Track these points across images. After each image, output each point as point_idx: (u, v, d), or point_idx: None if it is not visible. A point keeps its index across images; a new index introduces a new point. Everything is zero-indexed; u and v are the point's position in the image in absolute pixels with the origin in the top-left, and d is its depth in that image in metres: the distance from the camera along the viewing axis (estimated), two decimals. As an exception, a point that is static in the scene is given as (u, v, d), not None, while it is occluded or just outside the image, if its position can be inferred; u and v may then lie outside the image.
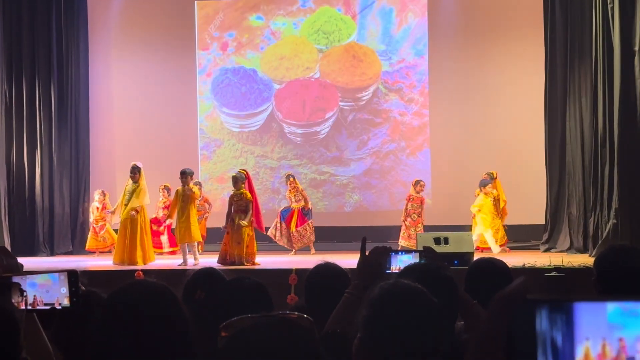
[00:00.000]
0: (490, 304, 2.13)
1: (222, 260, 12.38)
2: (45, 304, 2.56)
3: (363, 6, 16.56)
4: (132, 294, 2.12)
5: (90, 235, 15.27)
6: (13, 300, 2.47)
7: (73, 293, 2.56)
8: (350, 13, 16.61)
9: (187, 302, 2.36)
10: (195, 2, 17.00)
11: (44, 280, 2.57)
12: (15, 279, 2.55)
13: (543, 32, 14.85)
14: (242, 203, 12.61)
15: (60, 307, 2.55)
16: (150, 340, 2.02)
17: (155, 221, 14.93)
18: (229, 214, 12.68)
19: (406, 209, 14.47)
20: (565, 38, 14.40)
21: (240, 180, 12.74)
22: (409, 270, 3.21)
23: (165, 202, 15.09)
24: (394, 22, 16.46)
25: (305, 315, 2.11)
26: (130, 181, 12.87)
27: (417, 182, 14.64)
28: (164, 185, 15.18)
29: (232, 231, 12.53)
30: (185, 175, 12.79)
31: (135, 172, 12.85)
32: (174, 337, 2.05)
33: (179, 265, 12.45)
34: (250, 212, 12.54)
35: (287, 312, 2.13)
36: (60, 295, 2.56)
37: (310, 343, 1.75)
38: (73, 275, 2.57)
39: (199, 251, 13.22)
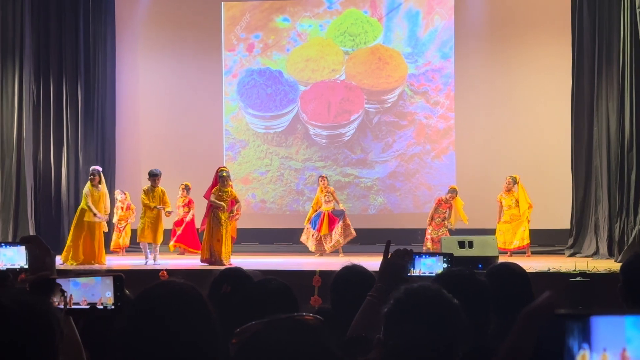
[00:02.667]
0: (517, 318, 2.14)
1: (207, 259, 12.60)
2: (89, 304, 2.60)
3: (389, 9, 16.54)
4: (161, 295, 2.13)
5: (114, 234, 15.34)
6: (53, 300, 2.50)
7: (118, 297, 2.59)
8: (376, 15, 16.60)
9: (213, 299, 2.37)
10: (222, 3, 17.05)
11: (87, 280, 2.61)
12: (59, 280, 2.59)
13: (570, 35, 14.78)
14: (230, 200, 12.89)
15: (102, 307, 2.59)
16: (178, 341, 2.03)
17: (180, 223, 15.00)
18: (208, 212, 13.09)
19: (433, 212, 14.46)
20: (592, 42, 14.32)
21: (230, 178, 13.01)
22: (442, 276, 3.22)
23: (184, 200, 15.14)
24: (420, 24, 16.43)
25: (317, 316, 2.12)
26: (90, 183, 13.06)
27: (453, 190, 14.53)
28: (184, 184, 15.20)
29: (217, 229, 12.71)
30: (155, 176, 13.07)
31: (95, 174, 13.11)
32: (201, 338, 2.07)
33: (145, 264, 12.81)
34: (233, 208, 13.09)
35: (303, 314, 2.15)
36: (103, 296, 2.59)
37: (320, 343, 1.76)
38: (119, 280, 2.61)
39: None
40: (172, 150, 16.58)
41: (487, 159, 15.75)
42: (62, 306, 2.52)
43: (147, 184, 13.46)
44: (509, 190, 14.30)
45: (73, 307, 2.59)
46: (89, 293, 2.61)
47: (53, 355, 1.87)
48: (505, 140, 15.70)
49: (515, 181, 14.31)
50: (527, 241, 14.15)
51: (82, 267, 12.41)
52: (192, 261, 13.21)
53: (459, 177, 15.96)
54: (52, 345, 1.86)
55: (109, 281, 2.60)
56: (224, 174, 13.03)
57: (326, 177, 15.05)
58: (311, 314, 2.09)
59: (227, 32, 17.07)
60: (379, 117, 16.52)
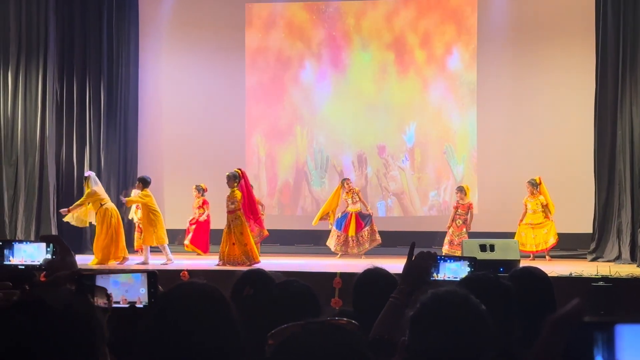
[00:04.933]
0: (543, 324, 2.13)
1: (223, 261, 12.67)
2: (128, 302, 2.60)
3: (412, 10, 16.50)
4: (183, 296, 2.14)
5: (136, 235, 15.30)
6: (97, 302, 2.51)
7: (152, 294, 2.60)
8: (399, 17, 16.56)
9: (235, 301, 2.37)
10: (246, 3, 17.06)
11: (127, 278, 2.62)
12: (99, 277, 2.60)
13: (594, 37, 14.66)
14: (231, 203, 12.77)
15: (141, 306, 2.59)
16: (200, 343, 2.04)
17: (192, 222, 14.98)
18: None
19: (454, 215, 14.45)
20: (617, 45, 14.21)
21: (233, 178, 12.84)
22: (466, 280, 3.20)
23: (198, 202, 15.06)
24: (443, 26, 16.39)
25: (352, 321, 2.11)
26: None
27: (460, 189, 14.59)
28: (195, 185, 15.09)
29: (227, 232, 12.71)
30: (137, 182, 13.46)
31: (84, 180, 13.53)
32: (224, 340, 2.07)
33: (138, 263, 13.02)
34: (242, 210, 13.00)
35: (336, 318, 2.14)
36: (140, 295, 2.60)
37: (356, 347, 1.76)
38: (152, 276, 2.61)
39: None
40: (194, 150, 16.61)
41: (509, 161, 15.67)
42: (105, 307, 2.53)
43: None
44: (532, 194, 14.22)
45: (114, 306, 2.60)
46: (127, 291, 2.62)
47: (95, 357, 1.88)
48: (528, 143, 15.60)
49: (533, 184, 14.21)
50: (553, 241, 14.10)
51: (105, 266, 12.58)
52: (212, 261, 13.22)
53: (481, 179, 15.90)
54: (94, 347, 1.88)
55: (143, 278, 2.61)
56: (227, 174, 13.03)
57: (347, 179, 14.99)
58: (345, 319, 2.09)
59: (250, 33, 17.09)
60: (401, 118, 16.48)
